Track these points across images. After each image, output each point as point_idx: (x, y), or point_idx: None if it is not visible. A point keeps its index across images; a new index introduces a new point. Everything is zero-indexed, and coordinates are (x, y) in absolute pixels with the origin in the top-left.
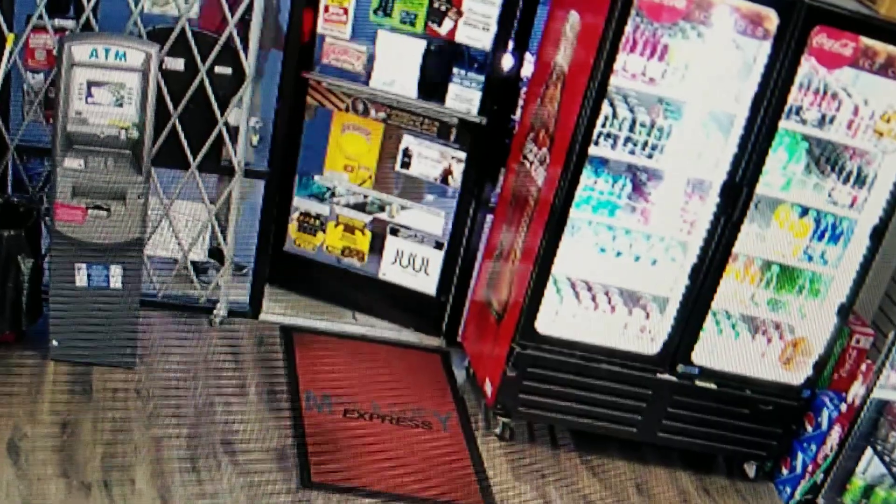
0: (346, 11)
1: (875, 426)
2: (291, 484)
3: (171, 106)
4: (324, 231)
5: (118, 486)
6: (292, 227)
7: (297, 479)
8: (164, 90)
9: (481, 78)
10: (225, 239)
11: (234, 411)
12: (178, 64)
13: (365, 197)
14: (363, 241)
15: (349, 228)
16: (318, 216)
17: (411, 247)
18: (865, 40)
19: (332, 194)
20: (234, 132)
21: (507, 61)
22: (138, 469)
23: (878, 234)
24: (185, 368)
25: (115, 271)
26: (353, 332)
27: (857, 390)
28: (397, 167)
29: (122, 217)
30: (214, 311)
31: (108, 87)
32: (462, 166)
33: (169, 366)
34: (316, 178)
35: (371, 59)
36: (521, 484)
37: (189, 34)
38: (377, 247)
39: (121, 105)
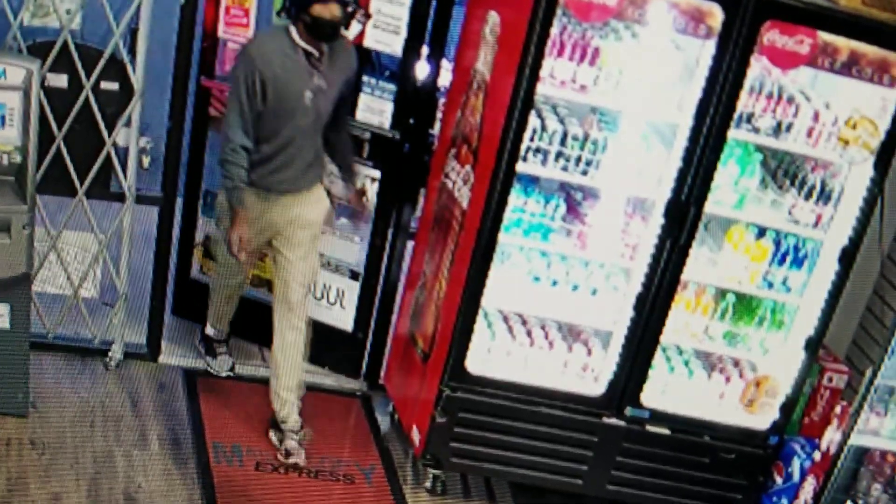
0: (246, 13)
1: (855, 477)
2: None
3: (55, 126)
4: None
5: None
6: (197, 252)
7: None
8: (48, 109)
9: (393, 87)
10: (118, 272)
11: (136, 464)
12: (61, 80)
13: None
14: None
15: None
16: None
17: (324, 276)
18: (824, 35)
19: None
20: (123, 154)
21: (421, 69)
22: None
23: (847, 257)
24: (81, 416)
25: (2, 310)
26: (263, 375)
27: (831, 436)
28: None
29: (6, 250)
30: (109, 354)
31: None
32: (376, 186)
33: (64, 413)
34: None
35: None
36: None
37: (72, 47)
38: None
39: (1, 127)
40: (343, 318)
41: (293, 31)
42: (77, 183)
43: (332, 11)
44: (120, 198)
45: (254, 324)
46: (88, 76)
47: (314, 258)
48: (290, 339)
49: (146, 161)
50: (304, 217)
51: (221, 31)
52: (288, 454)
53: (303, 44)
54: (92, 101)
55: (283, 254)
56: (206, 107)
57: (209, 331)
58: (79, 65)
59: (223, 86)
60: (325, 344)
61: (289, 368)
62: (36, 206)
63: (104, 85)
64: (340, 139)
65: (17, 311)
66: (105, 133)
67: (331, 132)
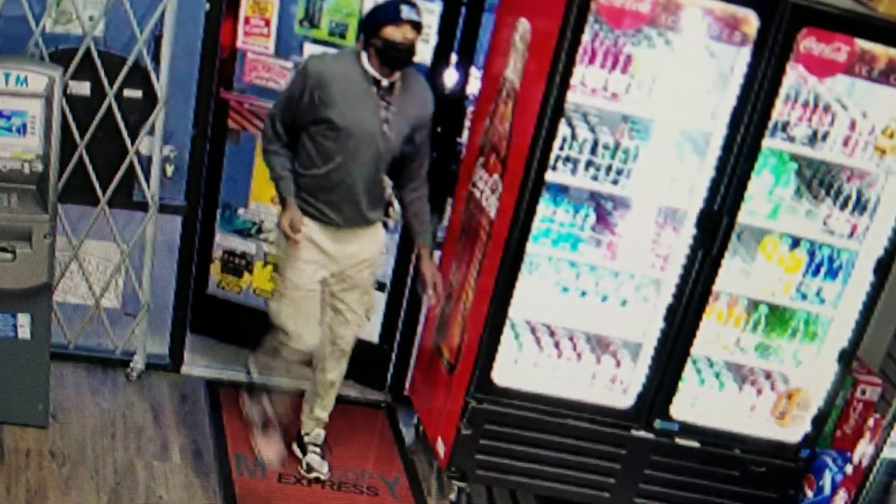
0: (268, 23)
1: (887, 490)
2: None
3: (77, 135)
4: (250, 271)
5: None
6: (215, 267)
7: None
8: (70, 117)
9: None
10: (140, 283)
11: (157, 475)
12: (83, 88)
13: None
14: None
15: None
16: (243, 255)
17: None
18: (861, 43)
19: (259, 230)
20: (146, 163)
21: (450, 76)
22: None
23: (882, 268)
24: (101, 428)
25: (23, 320)
26: (286, 386)
27: (864, 449)
28: None
29: (28, 259)
30: (131, 364)
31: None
32: None
33: (84, 424)
34: (240, 211)
35: None
36: None
37: (95, 54)
38: None
39: (23, 135)
40: (369, 329)
41: (363, 56)
42: (99, 192)
43: (406, 34)
44: (143, 207)
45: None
46: (111, 84)
47: (370, 297)
48: (337, 377)
49: (170, 170)
50: (360, 254)
51: (241, 41)
52: (310, 469)
53: (372, 70)
54: (115, 108)
55: (339, 298)
56: (225, 119)
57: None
58: (101, 72)
59: (242, 97)
60: (351, 355)
61: (332, 396)
62: (58, 216)
63: (127, 93)
64: (416, 196)
65: (38, 322)
66: (128, 141)
67: (405, 187)
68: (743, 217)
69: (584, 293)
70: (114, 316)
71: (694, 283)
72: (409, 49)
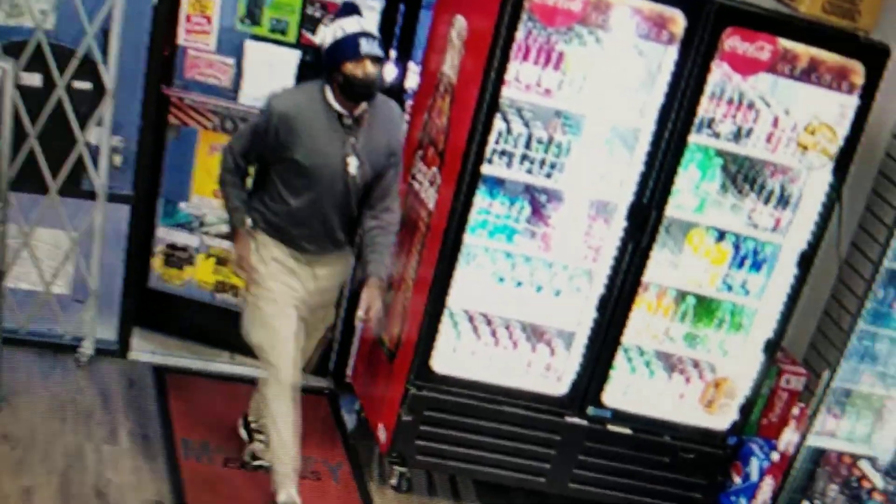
0: (209, 20)
1: (811, 477)
2: None
3: (28, 125)
4: (192, 264)
5: None
6: (157, 261)
7: None
8: (21, 108)
9: None
10: (89, 270)
11: (106, 459)
12: (34, 79)
13: None
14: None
15: (222, 261)
16: (185, 248)
17: None
18: (784, 42)
19: (201, 223)
20: (95, 153)
21: (389, 71)
22: None
23: (805, 261)
24: (52, 411)
25: None
26: (231, 372)
27: (789, 437)
28: None
29: None
30: (80, 350)
31: None
32: None
33: (35, 408)
34: (182, 205)
35: (240, 72)
36: None
37: (46, 47)
38: None
39: None
40: None
41: (327, 90)
42: (50, 180)
43: (366, 70)
44: (92, 196)
45: (221, 330)
46: (62, 75)
47: (331, 313)
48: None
49: (118, 160)
50: (330, 279)
51: (182, 38)
52: (254, 457)
53: (336, 105)
54: (65, 100)
55: (304, 317)
56: (166, 114)
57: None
58: (52, 64)
59: (183, 93)
60: None
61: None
62: (8, 204)
63: (77, 84)
64: (376, 225)
65: None
66: (78, 131)
67: (366, 214)
68: (671, 210)
69: (519, 283)
70: (64, 302)
71: (625, 275)
72: (372, 83)
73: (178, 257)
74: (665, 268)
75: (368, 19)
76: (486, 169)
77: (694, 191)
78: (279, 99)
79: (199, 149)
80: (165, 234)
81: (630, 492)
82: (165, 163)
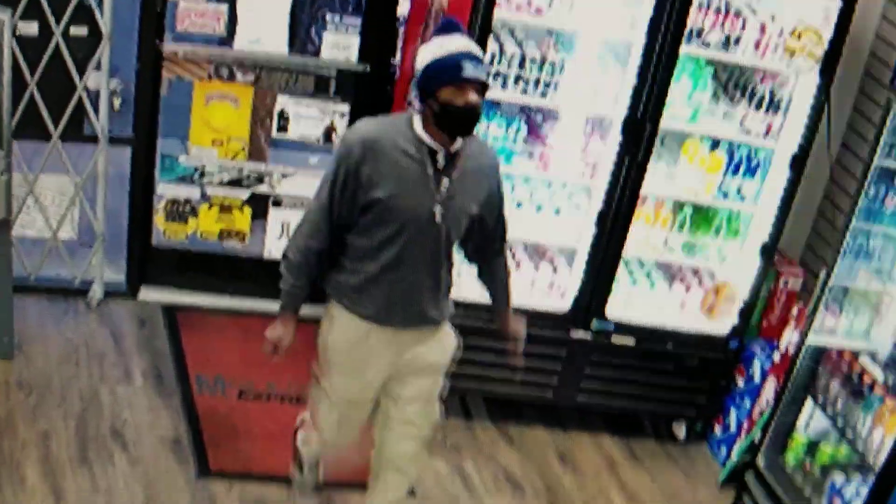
0: None
1: (813, 376)
2: (189, 474)
3: (27, 73)
4: (195, 216)
5: (8, 484)
6: (159, 218)
7: (194, 468)
8: (20, 57)
9: (358, 21)
10: (95, 214)
11: (121, 400)
12: (31, 28)
13: (240, 171)
14: (243, 220)
15: (225, 208)
16: (187, 201)
17: (298, 217)
18: None
19: (202, 174)
20: (94, 97)
21: None
22: (28, 466)
23: (798, 164)
24: (65, 356)
25: None
26: (241, 307)
27: (789, 337)
28: (274, 132)
29: None
30: (90, 293)
31: None
32: (345, 121)
33: (49, 354)
34: (181, 159)
35: (233, 17)
36: (436, 460)
37: None
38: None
39: None
40: None
41: (416, 120)
42: (51, 127)
43: (468, 98)
44: (93, 140)
45: (230, 279)
46: (58, 22)
47: (434, 408)
48: (394, 498)
49: (117, 103)
50: (423, 358)
51: None
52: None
53: (427, 138)
54: (62, 46)
55: (392, 398)
56: (159, 68)
57: None
58: (48, 12)
59: (176, 46)
60: None
61: None
62: (12, 152)
63: (74, 31)
64: (492, 270)
65: None
66: (76, 77)
67: (479, 260)
68: (665, 122)
69: (519, 204)
70: (71, 247)
71: (622, 189)
72: (474, 114)
73: (180, 211)
74: (662, 179)
75: None
76: None
77: (687, 101)
78: (358, 127)
79: (195, 100)
80: (165, 190)
81: (636, 400)
82: (161, 115)
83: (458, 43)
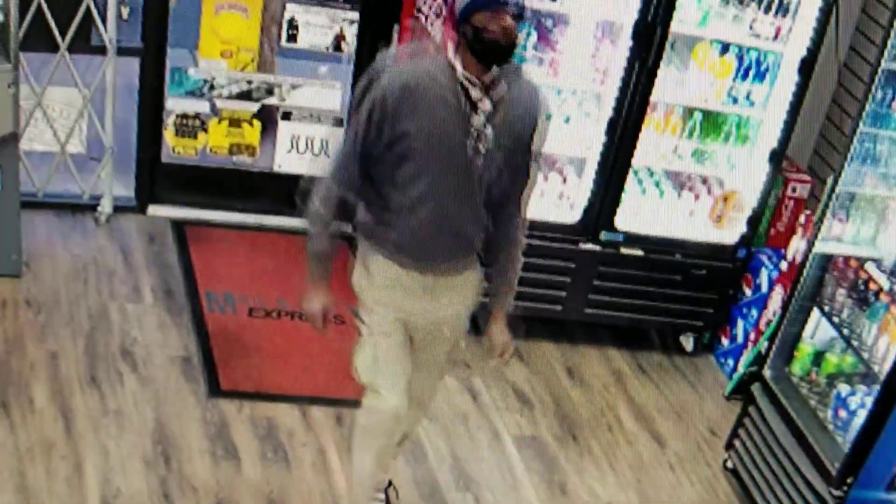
0: None
1: (820, 284)
2: (200, 393)
3: None
4: (205, 131)
5: (17, 405)
6: (168, 133)
7: (205, 387)
8: None
9: None
10: (104, 126)
11: (130, 317)
12: None
13: (249, 83)
14: (252, 134)
15: (234, 122)
16: (196, 115)
17: (308, 129)
18: None
19: (211, 87)
20: (102, 7)
21: None
22: (36, 387)
23: (806, 68)
24: (74, 273)
25: None
26: (250, 222)
27: (797, 245)
28: (283, 42)
29: None
30: (99, 209)
31: None
32: (355, 28)
33: (57, 271)
34: (190, 71)
35: None
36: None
37: None
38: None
39: None
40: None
41: (450, 49)
42: (59, 38)
43: (504, 23)
44: (101, 51)
45: (240, 194)
46: None
47: (460, 348)
48: (408, 428)
49: (125, 12)
50: (452, 315)
51: None
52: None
53: (460, 68)
54: None
55: (422, 339)
56: None
57: None
58: None
59: None
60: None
61: (399, 449)
62: (20, 64)
63: None
64: (502, 236)
65: (7, 172)
66: None
67: (493, 214)
68: (675, 26)
69: None
70: (79, 161)
71: (632, 96)
72: (510, 41)
73: (190, 125)
74: (672, 85)
75: None
76: None
77: (697, 4)
78: (393, 71)
79: (203, 10)
80: (175, 105)
81: (644, 312)
82: (170, 26)
83: None
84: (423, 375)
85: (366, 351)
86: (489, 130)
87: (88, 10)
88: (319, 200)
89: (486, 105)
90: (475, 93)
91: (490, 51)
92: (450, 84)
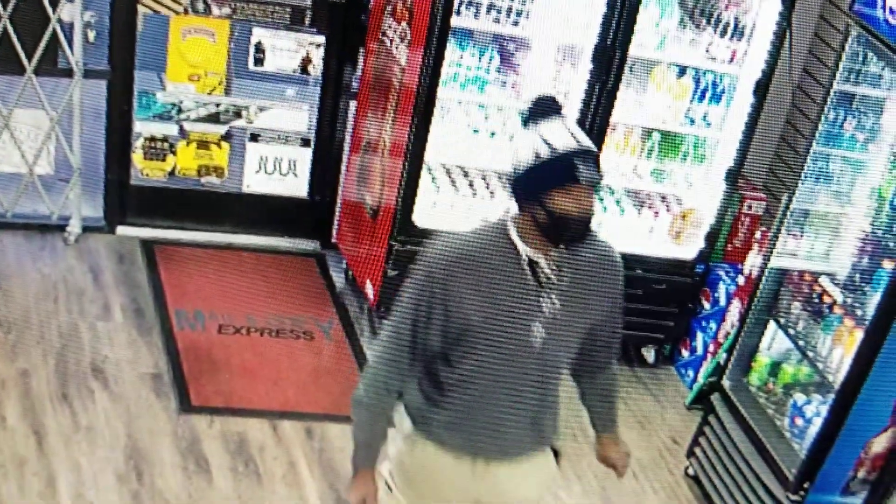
0: None
1: (776, 298)
2: (170, 409)
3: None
4: (174, 153)
5: None
6: (137, 156)
7: (175, 403)
8: None
9: None
10: (71, 148)
11: (100, 335)
12: None
13: (217, 106)
14: (220, 156)
15: (203, 144)
16: (165, 138)
17: (276, 150)
18: None
19: (179, 110)
20: (69, 30)
21: None
22: (8, 405)
23: (761, 89)
24: (44, 292)
25: None
26: (219, 241)
27: (753, 260)
28: (250, 66)
29: None
30: (68, 229)
31: None
32: (321, 52)
33: (27, 290)
34: (158, 95)
35: None
36: None
37: None
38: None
39: None
40: (297, 186)
41: (511, 227)
42: (25, 60)
43: (582, 203)
44: (68, 73)
45: (209, 215)
46: None
47: None
48: None
49: (91, 35)
50: (517, 494)
51: None
52: None
53: (524, 247)
54: None
55: None
56: (135, 3)
57: None
58: None
59: None
60: (283, 214)
61: None
62: None
63: None
64: (597, 388)
65: None
66: (49, 9)
67: (580, 379)
68: (634, 49)
69: (493, 133)
70: (48, 182)
71: (593, 117)
72: (589, 221)
73: (158, 148)
74: (631, 107)
75: None
76: (454, 21)
77: (654, 28)
78: (446, 257)
79: (171, 35)
80: (143, 128)
81: None
82: (137, 55)
83: (564, 137)
84: None
85: None
86: (559, 312)
87: (55, 32)
88: (364, 388)
89: (556, 283)
90: (545, 273)
91: (567, 232)
92: (514, 265)
